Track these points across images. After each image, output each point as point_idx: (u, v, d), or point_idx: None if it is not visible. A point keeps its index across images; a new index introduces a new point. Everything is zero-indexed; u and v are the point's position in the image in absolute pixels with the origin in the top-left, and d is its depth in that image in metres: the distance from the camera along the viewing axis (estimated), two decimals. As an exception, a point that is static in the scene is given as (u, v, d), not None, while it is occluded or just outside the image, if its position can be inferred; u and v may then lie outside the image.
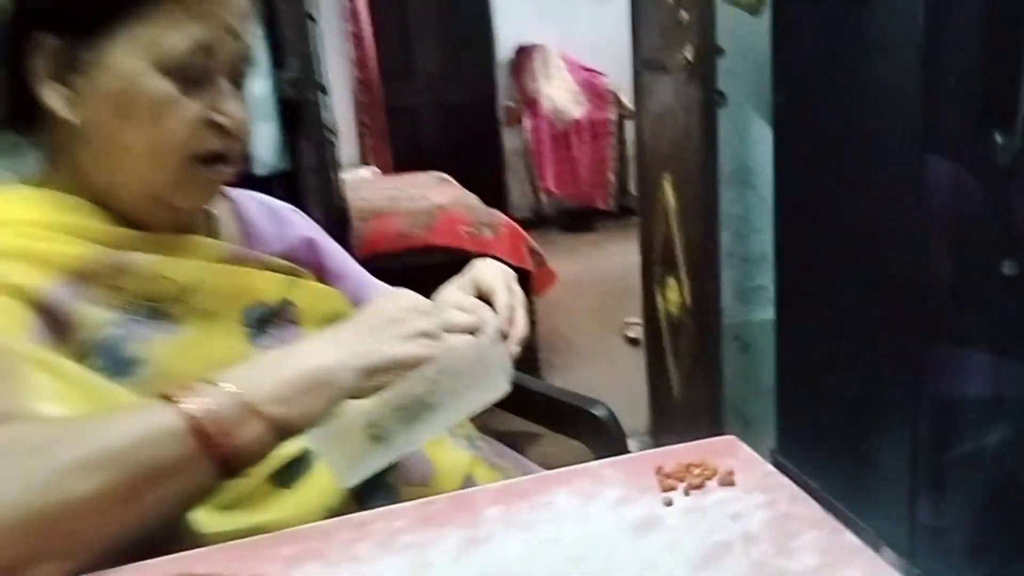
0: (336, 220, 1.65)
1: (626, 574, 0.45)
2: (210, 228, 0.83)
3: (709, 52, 1.62)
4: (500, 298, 0.76)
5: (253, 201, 0.92)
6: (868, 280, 1.60)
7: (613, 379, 2.80)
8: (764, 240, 2.14)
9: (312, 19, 1.34)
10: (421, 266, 2.63)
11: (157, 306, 0.72)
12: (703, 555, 0.46)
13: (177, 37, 0.66)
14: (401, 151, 5.77)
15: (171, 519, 0.59)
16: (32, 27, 0.65)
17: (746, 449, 0.59)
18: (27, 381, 0.58)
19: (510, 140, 6.11)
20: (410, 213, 3.07)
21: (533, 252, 2.90)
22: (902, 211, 1.44)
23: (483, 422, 0.94)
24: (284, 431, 0.59)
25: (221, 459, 0.55)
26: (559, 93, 5.71)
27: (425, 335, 0.66)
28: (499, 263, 0.82)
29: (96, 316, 0.68)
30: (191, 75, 0.68)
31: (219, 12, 0.68)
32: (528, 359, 2.50)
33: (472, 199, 3.60)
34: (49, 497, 0.50)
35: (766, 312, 2.14)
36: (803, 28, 1.70)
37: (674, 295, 2.09)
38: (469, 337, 0.70)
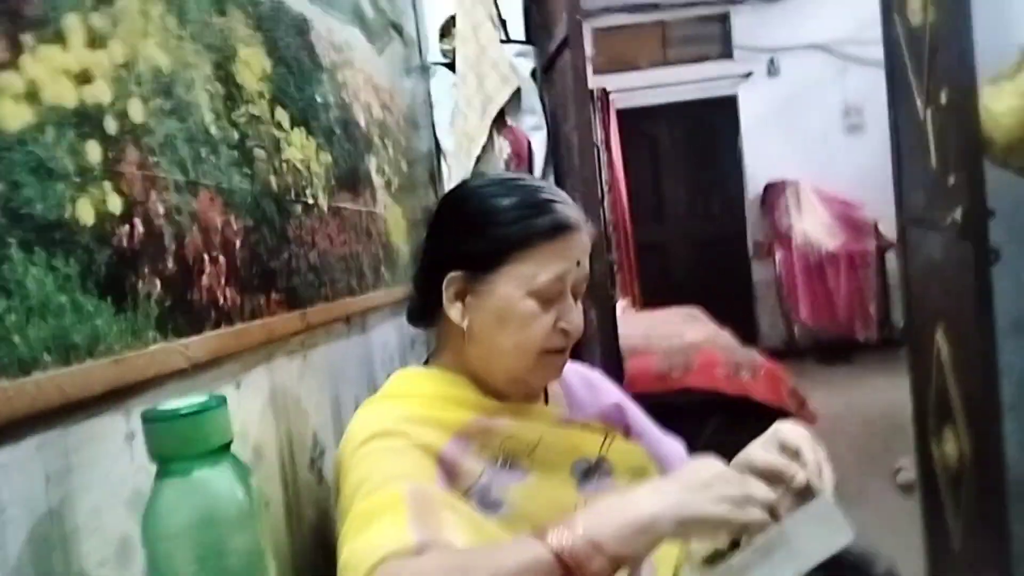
0: (614, 366, 1.86)
1: None
2: (545, 396, 1.06)
3: (980, 214, 1.65)
4: (808, 454, 0.86)
5: (572, 372, 1.14)
6: None
7: (884, 527, 2.65)
8: (1052, 392, 2.02)
9: (602, 203, 1.60)
10: (679, 404, 2.76)
11: (513, 459, 0.94)
12: None
13: (543, 272, 0.92)
14: (650, 285, 6.00)
15: None
16: (448, 268, 0.94)
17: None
18: (441, 516, 0.80)
19: (759, 272, 6.13)
20: (666, 352, 3.22)
21: (793, 393, 2.91)
22: None
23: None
24: (618, 564, 0.74)
25: None
26: (812, 227, 5.68)
27: (731, 500, 0.77)
28: (798, 426, 0.93)
29: (474, 467, 0.91)
30: (548, 296, 0.93)
31: (572, 252, 0.94)
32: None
33: (726, 337, 3.67)
34: None
35: (1059, 469, 1.99)
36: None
37: (952, 447, 2.03)
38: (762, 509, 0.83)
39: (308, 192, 1.04)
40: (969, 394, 1.89)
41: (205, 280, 0.74)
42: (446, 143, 1.85)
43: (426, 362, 1.05)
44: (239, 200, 0.84)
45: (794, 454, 0.88)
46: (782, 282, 5.84)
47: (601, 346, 1.91)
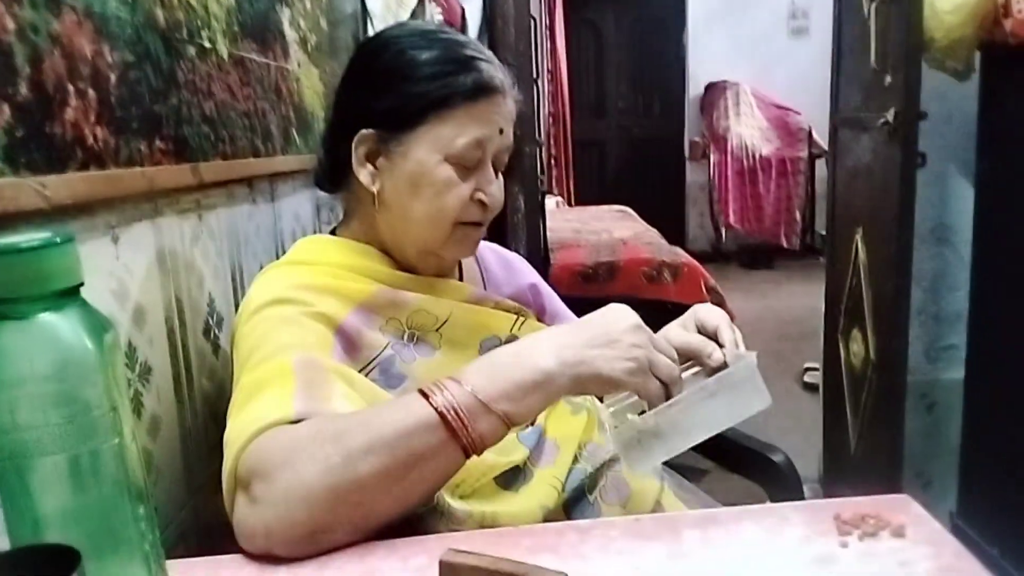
0: (538, 256, 1.82)
1: (804, 596, 0.56)
2: (459, 272, 1.02)
3: (912, 116, 1.64)
4: (725, 333, 0.85)
5: (490, 251, 1.10)
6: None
7: (787, 423, 2.79)
8: (959, 299, 2.09)
9: (536, 82, 1.52)
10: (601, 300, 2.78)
11: (420, 334, 0.90)
12: (872, 591, 0.56)
13: (462, 136, 0.85)
14: (585, 182, 5.96)
15: (428, 498, 0.73)
16: (358, 125, 0.86)
17: (918, 507, 0.68)
18: (331, 388, 0.75)
19: (693, 174, 6.16)
20: (594, 246, 3.22)
21: (711, 291, 2.95)
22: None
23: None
24: (512, 422, 0.71)
25: (464, 445, 0.68)
26: (748, 130, 5.68)
27: (633, 364, 0.72)
28: (716, 308, 0.91)
29: (377, 339, 0.87)
30: (467, 164, 0.86)
31: (495, 117, 0.87)
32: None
33: (653, 235, 3.70)
34: (341, 476, 0.64)
35: (956, 372, 2.09)
36: (1010, 93, 1.69)
37: (858, 348, 2.09)
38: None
39: (204, 34, 0.94)
40: (880, 297, 1.94)
41: (69, 113, 0.65)
42: (373, 5, 1.72)
43: (333, 231, 0.98)
44: (115, 29, 0.74)
45: (712, 334, 0.87)
46: (714, 185, 5.88)
47: (527, 235, 1.87)
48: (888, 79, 1.72)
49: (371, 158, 0.88)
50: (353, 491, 0.65)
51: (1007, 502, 1.80)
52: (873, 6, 1.77)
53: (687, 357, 0.88)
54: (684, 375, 0.88)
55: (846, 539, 0.63)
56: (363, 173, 0.88)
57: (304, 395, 0.71)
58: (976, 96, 1.80)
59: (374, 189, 0.88)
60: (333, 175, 0.94)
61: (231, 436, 0.70)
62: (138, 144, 0.77)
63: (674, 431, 0.73)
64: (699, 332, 0.88)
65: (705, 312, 0.90)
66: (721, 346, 0.86)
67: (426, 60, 0.85)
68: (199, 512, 0.90)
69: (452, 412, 0.67)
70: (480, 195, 0.88)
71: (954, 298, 2.13)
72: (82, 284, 0.49)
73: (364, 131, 0.87)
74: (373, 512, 0.67)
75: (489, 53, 0.91)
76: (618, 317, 0.76)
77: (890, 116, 1.69)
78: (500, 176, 0.92)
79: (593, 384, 0.73)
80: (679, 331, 0.89)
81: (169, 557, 0.82)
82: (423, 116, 0.85)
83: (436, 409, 0.67)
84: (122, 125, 0.74)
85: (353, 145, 0.87)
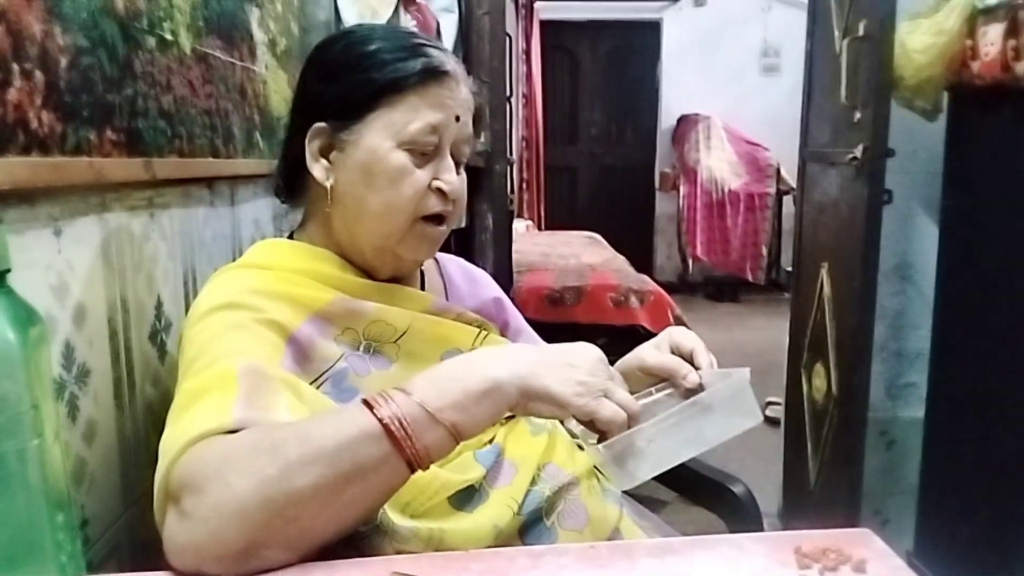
0: (506, 275, 1.80)
1: (764, 631, 0.54)
2: (421, 282, 0.99)
3: (880, 152, 1.66)
4: (702, 357, 0.85)
5: (454, 263, 1.07)
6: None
7: (747, 457, 2.77)
8: (921, 337, 2.11)
9: (510, 100, 1.52)
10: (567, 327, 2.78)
11: (377, 345, 0.87)
12: (833, 627, 0.54)
13: (415, 120, 0.83)
14: (556, 207, 5.97)
15: (370, 515, 0.70)
16: (312, 120, 0.85)
17: (879, 542, 0.66)
18: (275, 397, 0.71)
19: (663, 205, 6.21)
20: (561, 271, 3.21)
21: (678, 320, 2.95)
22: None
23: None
24: (460, 434, 0.68)
25: (409, 458, 0.65)
26: (718, 163, 5.75)
27: (586, 388, 0.71)
28: (690, 331, 0.91)
29: (330, 350, 0.83)
30: (423, 150, 0.84)
31: (448, 102, 0.85)
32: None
33: (621, 261, 3.71)
34: (277, 489, 0.61)
35: (916, 410, 2.10)
36: (976, 134, 1.72)
37: (820, 383, 2.09)
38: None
39: (166, 26, 0.90)
40: (843, 332, 1.94)
41: (12, 94, 0.61)
42: (347, 14, 1.70)
43: (291, 235, 0.95)
44: (68, 12, 0.71)
45: (687, 357, 0.86)
46: (683, 216, 5.93)
47: (495, 254, 1.84)
48: (857, 115, 1.74)
49: (325, 152, 0.86)
50: (289, 505, 0.61)
51: (964, 542, 1.80)
52: (845, 43, 1.80)
53: (661, 378, 0.87)
54: (658, 395, 0.87)
55: (806, 572, 0.61)
56: (316, 168, 0.86)
57: (245, 403, 0.67)
58: (943, 135, 1.83)
59: (328, 184, 0.86)
60: (290, 177, 0.91)
61: (165, 445, 0.66)
62: (87, 133, 0.73)
63: (663, 446, 0.72)
64: (673, 354, 0.87)
65: (680, 335, 0.89)
66: (697, 368, 0.85)
67: (375, 49, 0.84)
68: (135, 525, 0.85)
69: (397, 423, 0.64)
70: (439, 183, 0.85)
71: (916, 336, 2.14)
72: (8, 271, 0.46)
73: (317, 125, 0.85)
74: (310, 529, 0.63)
75: (443, 45, 0.90)
76: (583, 349, 0.75)
77: (858, 152, 1.71)
78: (463, 171, 0.90)
79: (541, 400, 0.70)
80: (653, 351, 0.89)
81: (99, 572, 0.78)
82: (373, 103, 0.83)
83: (380, 420, 0.64)
84: (71, 111, 0.70)
85: (307, 140, 0.85)
